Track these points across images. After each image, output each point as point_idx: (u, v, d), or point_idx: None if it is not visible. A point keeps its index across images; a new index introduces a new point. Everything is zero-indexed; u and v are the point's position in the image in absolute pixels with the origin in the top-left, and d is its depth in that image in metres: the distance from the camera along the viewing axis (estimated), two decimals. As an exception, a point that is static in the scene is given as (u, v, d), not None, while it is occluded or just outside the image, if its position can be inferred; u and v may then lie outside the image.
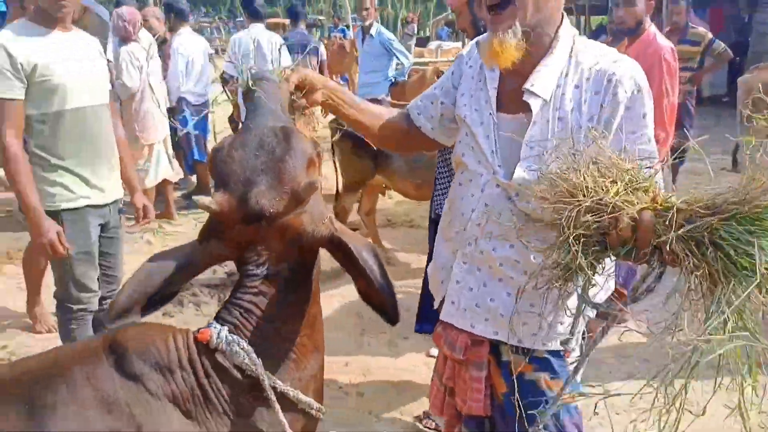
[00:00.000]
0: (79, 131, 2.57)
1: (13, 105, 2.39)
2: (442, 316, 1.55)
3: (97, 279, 2.75)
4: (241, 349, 1.15)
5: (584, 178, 1.12)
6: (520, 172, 1.38)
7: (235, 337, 1.16)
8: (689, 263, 1.02)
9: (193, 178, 6.65)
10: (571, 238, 1.10)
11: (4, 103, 2.38)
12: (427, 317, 2.97)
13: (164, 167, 5.65)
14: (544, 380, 1.47)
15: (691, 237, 1.02)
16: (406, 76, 7.03)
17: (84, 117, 2.58)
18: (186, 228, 5.74)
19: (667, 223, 1.04)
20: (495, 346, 1.49)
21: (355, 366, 3.35)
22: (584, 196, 1.11)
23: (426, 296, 3.00)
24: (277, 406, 1.17)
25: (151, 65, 5.42)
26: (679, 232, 1.02)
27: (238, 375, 1.16)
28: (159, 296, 1.13)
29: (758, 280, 0.95)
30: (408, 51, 10.40)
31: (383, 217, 5.93)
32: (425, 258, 3.13)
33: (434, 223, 2.82)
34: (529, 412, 1.32)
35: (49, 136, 2.52)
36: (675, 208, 1.04)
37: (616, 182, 1.12)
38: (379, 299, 1.19)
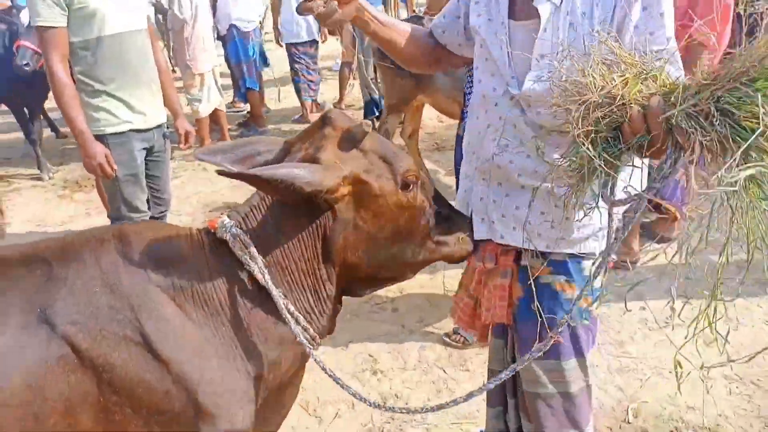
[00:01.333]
0: (118, 57, 2.68)
1: (56, 32, 2.53)
2: (476, 235, 1.53)
3: (147, 201, 2.96)
4: (238, 238, 1.22)
5: (592, 77, 1.09)
6: (529, 83, 1.34)
7: (238, 230, 1.23)
8: (698, 135, 0.99)
9: (247, 106, 6.80)
10: (581, 134, 1.08)
11: (48, 31, 2.52)
12: None
13: (215, 96, 5.80)
14: (559, 284, 1.48)
15: (699, 110, 0.99)
16: None
17: (122, 42, 2.69)
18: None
19: (673, 101, 1.02)
20: (518, 254, 1.52)
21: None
22: (593, 93, 1.08)
23: None
24: (283, 307, 1.22)
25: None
26: (684, 105, 0.99)
27: (242, 274, 1.23)
28: (241, 162, 1.32)
29: (761, 129, 0.92)
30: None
31: (432, 141, 5.90)
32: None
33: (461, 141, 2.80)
34: (546, 316, 1.35)
35: (91, 62, 2.65)
36: (681, 86, 1.02)
37: (625, 75, 1.09)
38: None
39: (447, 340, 2.90)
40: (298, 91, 6.61)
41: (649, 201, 3.10)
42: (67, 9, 2.54)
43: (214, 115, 5.90)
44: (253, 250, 1.23)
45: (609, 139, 1.10)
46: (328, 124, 1.30)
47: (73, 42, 2.61)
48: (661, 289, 3.27)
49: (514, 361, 1.58)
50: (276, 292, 1.23)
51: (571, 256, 1.47)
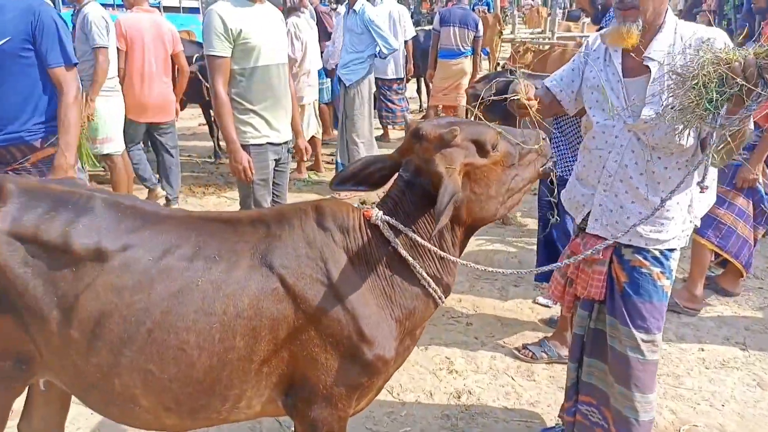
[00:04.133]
0: (266, 83, 3.28)
1: (224, 61, 3.15)
2: (589, 230, 2.09)
3: (270, 202, 3.51)
4: (387, 224, 1.67)
5: (703, 57, 1.62)
6: (646, 111, 1.89)
7: (386, 216, 1.68)
8: None
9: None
10: (701, 80, 1.58)
11: (217, 60, 3.14)
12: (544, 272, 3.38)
13: (314, 125, 6.47)
14: (656, 274, 2.01)
15: None
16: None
17: (270, 72, 3.29)
18: (329, 177, 6.55)
19: (763, 57, 1.54)
20: (617, 249, 2.03)
21: (467, 302, 3.86)
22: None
23: (541, 256, 3.41)
24: (422, 273, 1.66)
25: (311, 35, 6.19)
26: None
27: (389, 247, 1.66)
28: (364, 181, 1.76)
29: None
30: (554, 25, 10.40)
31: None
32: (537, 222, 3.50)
33: (545, 181, 3.20)
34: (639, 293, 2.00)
35: (245, 86, 3.25)
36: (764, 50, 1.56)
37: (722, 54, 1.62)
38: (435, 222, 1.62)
39: (517, 353, 3.24)
40: (380, 117, 7.75)
41: (717, 255, 3.67)
42: (233, 43, 3.16)
43: (311, 142, 6.55)
44: (392, 234, 1.66)
45: (717, 86, 1.57)
46: (422, 139, 1.65)
47: (233, 69, 3.22)
48: (720, 335, 3.51)
49: (595, 328, 2.12)
50: (413, 262, 1.68)
51: (664, 252, 1.99)
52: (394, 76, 7.53)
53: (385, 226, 1.68)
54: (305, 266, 1.60)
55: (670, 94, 1.70)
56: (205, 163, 7.20)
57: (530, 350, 3.22)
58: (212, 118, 7.12)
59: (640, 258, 2.00)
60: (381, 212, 1.70)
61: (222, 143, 7.32)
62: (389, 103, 7.76)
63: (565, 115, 2.25)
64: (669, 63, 1.82)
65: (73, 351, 1.56)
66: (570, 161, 3.06)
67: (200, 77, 6.10)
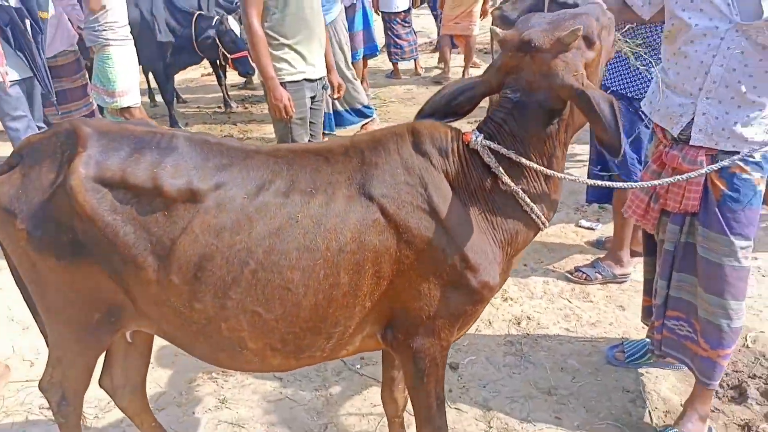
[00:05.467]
0: (299, 15, 3.13)
1: (256, -7, 2.98)
2: (693, 142, 1.98)
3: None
4: (487, 148, 1.57)
5: None
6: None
7: (486, 141, 1.58)
8: None
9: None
10: None
11: (250, -9, 2.98)
12: (594, 192, 3.33)
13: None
14: (757, 179, 1.95)
15: None
16: None
17: (303, 4, 3.13)
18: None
19: None
20: (714, 157, 1.95)
21: (511, 230, 3.83)
22: None
23: (592, 174, 3.30)
24: (525, 198, 1.57)
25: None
26: None
27: (486, 171, 1.57)
28: (450, 111, 1.64)
29: None
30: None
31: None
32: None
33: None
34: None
35: (278, 18, 3.10)
36: None
37: None
38: (607, 138, 1.48)
39: (569, 276, 3.25)
40: (388, 54, 7.72)
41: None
42: (266, -27, 2.98)
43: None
44: (493, 159, 1.56)
45: None
46: (536, 49, 1.49)
47: (266, 1, 3.05)
48: (770, 245, 3.50)
49: (685, 241, 2.09)
50: (515, 188, 1.58)
51: (763, 156, 1.93)
52: (400, 9, 7.31)
53: (485, 151, 1.58)
54: (405, 193, 1.52)
55: None
56: (216, 114, 7.03)
57: (583, 272, 3.22)
58: (219, 67, 6.86)
59: (741, 164, 1.93)
60: (481, 136, 1.59)
61: (230, 93, 7.14)
62: (397, 39, 7.57)
63: (635, 23, 2.11)
64: None
65: (174, 298, 1.51)
66: (643, 77, 2.85)
67: (217, 42, 5.99)
